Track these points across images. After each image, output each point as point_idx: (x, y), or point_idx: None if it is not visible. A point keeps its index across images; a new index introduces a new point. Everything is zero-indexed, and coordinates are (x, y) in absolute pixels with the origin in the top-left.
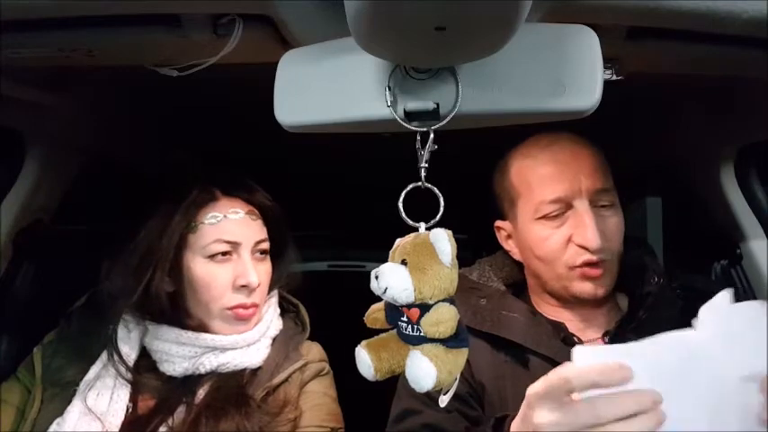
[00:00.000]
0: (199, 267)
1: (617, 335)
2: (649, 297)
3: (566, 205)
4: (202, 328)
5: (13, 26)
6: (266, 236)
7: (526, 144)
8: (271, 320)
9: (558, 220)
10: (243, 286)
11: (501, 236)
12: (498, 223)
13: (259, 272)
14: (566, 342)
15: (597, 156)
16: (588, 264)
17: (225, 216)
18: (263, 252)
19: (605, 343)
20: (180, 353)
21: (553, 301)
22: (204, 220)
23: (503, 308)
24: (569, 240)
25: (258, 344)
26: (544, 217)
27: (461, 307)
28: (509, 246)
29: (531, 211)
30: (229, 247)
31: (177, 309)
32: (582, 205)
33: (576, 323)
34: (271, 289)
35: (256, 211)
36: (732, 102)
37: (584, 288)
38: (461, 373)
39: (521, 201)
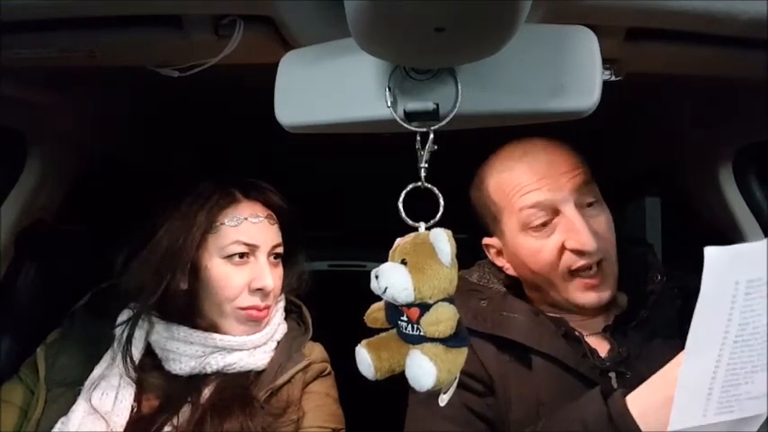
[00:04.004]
0: (216, 268)
1: (617, 330)
2: (652, 296)
3: (552, 211)
4: (213, 328)
5: (14, 27)
6: (281, 240)
7: (499, 157)
8: (278, 324)
9: (547, 228)
10: (258, 289)
11: (491, 253)
12: (486, 241)
13: (273, 276)
14: (566, 337)
15: (575, 157)
16: (586, 269)
17: (245, 219)
18: (277, 256)
19: (606, 338)
20: (188, 352)
21: (554, 310)
22: (225, 221)
23: (503, 309)
24: (562, 247)
25: (264, 347)
26: (531, 227)
27: (462, 309)
28: (501, 262)
29: (516, 223)
30: (247, 249)
31: (190, 308)
32: (569, 209)
33: (577, 321)
34: (281, 293)
35: (274, 216)
36: (731, 103)
37: (588, 298)
38: (474, 376)
39: (504, 215)
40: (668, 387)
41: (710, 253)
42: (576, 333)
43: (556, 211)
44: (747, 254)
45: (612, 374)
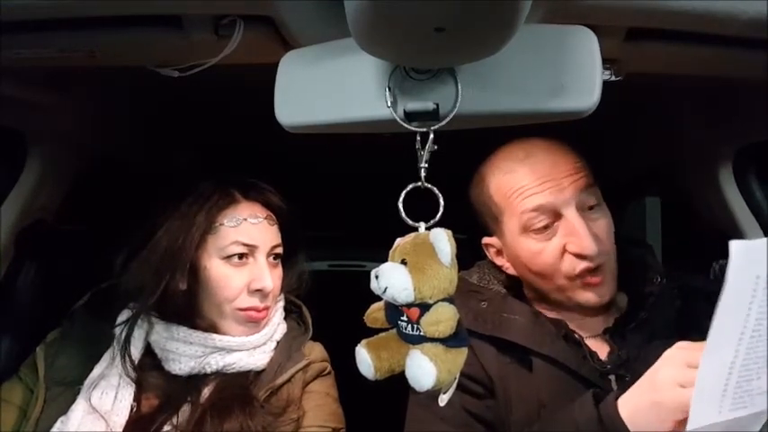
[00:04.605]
0: (215, 268)
1: (617, 332)
2: (651, 297)
3: (553, 214)
4: (212, 328)
5: (14, 27)
6: (280, 241)
7: (501, 158)
8: (278, 324)
9: (548, 231)
10: (257, 290)
11: (491, 253)
12: (486, 240)
13: (273, 276)
14: (566, 339)
15: (576, 160)
16: (587, 271)
17: (245, 219)
18: (276, 257)
19: (605, 340)
20: (187, 352)
21: (554, 308)
22: (224, 221)
23: (504, 310)
24: (564, 250)
25: (264, 347)
26: (532, 230)
27: (462, 310)
28: (500, 261)
29: (517, 225)
30: (246, 249)
31: (189, 308)
32: (571, 212)
33: (577, 321)
34: (280, 293)
35: (273, 217)
36: (731, 102)
37: (588, 297)
38: (474, 378)
39: (505, 216)
40: (654, 390)
41: (736, 247)
42: (576, 335)
43: (557, 215)
44: (766, 248)
45: (612, 377)
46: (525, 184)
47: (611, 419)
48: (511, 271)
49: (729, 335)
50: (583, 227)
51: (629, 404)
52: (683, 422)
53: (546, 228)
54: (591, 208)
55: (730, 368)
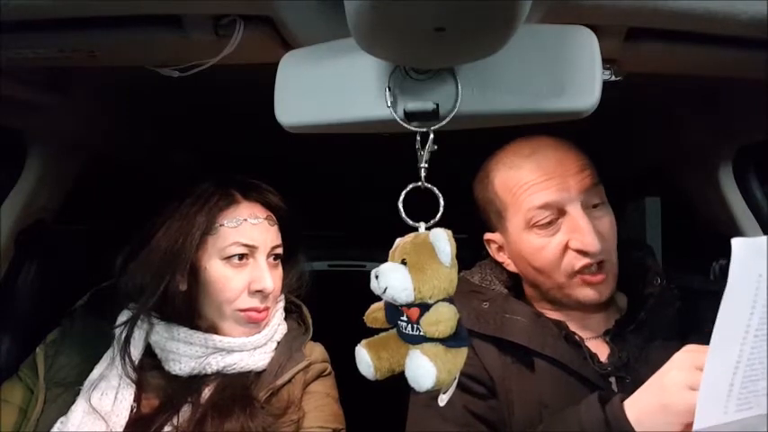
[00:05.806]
0: (215, 269)
1: (617, 334)
2: (650, 298)
3: (558, 211)
4: (213, 329)
5: (13, 26)
6: (281, 241)
7: (507, 153)
8: (278, 324)
9: (552, 227)
10: (258, 291)
11: (492, 249)
12: (488, 236)
13: (273, 277)
14: (567, 340)
15: (582, 158)
16: (588, 267)
17: (245, 220)
18: (276, 257)
19: (606, 342)
20: (188, 352)
21: (554, 307)
22: (224, 222)
23: (506, 311)
24: (566, 247)
25: (264, 347)
26: (536, 225)
27: (463, 311)
28: (501, 258)
29: (521, 221)
30: (247, 250)
31: (189, 308)
32: (575, 209)
33: (577, 322)
34: (280, 293)
35: (273, 217)
36: (731, 102)
37: (588, 294)
38: (476, 378)
39: (509, 212)
40: (663, 392)
41: (737, 244)
42: (577, 337)
43: (562, 211)
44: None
45: (613, 379)
46: (531, 180)
47: (617, 420)
48: (511, 267)
49: (733, 334)
50: (587, 224)
51: (637, 406)
52: (692, 425)
53: (550, 224)
54: (595, 206)
55: (735, 368)
